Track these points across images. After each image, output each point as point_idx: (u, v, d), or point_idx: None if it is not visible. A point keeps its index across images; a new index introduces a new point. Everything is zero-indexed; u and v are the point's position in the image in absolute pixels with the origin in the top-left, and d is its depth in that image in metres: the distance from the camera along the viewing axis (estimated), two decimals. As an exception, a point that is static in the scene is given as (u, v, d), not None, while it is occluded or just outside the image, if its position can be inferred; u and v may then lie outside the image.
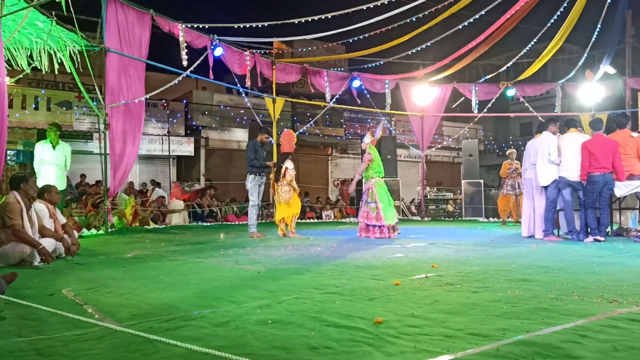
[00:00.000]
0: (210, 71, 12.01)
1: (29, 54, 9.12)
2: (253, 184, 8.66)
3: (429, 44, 13.41)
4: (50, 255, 5.04)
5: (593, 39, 13.71)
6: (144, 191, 15.09)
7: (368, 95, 15.81)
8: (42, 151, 8.42)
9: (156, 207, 12.88)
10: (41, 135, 8.74)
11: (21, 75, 9.32)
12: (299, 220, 13.82)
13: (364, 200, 8.32)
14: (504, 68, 15.69)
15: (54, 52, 9.24)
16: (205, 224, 13.14)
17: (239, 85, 13.29)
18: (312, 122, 17.63)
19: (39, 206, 5.64)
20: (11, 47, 8.73)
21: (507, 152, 12.04)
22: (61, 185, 8.27)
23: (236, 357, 1.83)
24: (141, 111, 10.42)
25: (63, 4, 7.72)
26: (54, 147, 8.45)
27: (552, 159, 7.51)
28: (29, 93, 15.45)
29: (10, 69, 8.69)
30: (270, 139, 14.14)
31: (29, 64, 9.08)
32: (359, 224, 8.44)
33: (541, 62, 14.65)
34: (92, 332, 2.39)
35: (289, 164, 8.74)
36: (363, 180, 8.67)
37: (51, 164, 8.36)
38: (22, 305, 2.79)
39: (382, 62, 15.38)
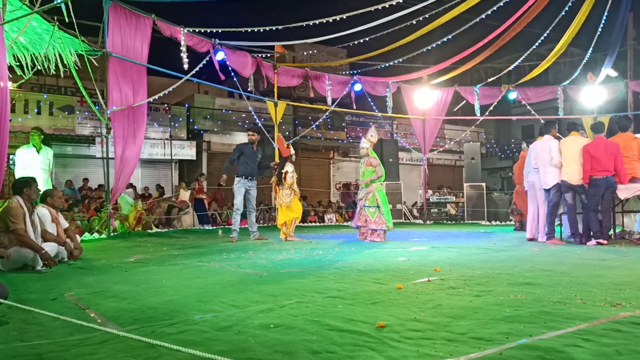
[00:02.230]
0: (219, 72, 12.06)
1: (31, 59, 9.13)
2: (237, 187, 8.59)
3: (430, 47, 13.43)
4: (52, 260, 5.05)
5: (594, 42, 13.71)
6: (146, 195, 15.10)
7: (369, 99, 15.82)
8: (27, 156, 8.21)
9: (162, 212, 12.91)
10: (43, 140, 8.68)
11: (23, 80, 9.33)
12: (301, 224, 13.82)
13: (362, 205, 8.35)
14: (506, 71, 15.71)
15: (57, 56, 9.26)
16: (209, 227, 13.15)
17: (240, 89, 13.34)
18: (313, 126, 17.65)
19: (42, 210, 5.65)
20: (13, 52, 8.75)
21: None
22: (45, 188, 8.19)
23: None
24: (143, 115, 10.44)
25: (64, 10, 7.74)
26: (38, 152, 8.29)
27: (554, 162, 7.50)
28: (31, 98, 15.50)
29: (12, 75, 8.70)
30: (274, 143, 14.19)
31: (31, 69, 9.09)
32: (359, 229, 8.48)
33: (544, 66, 14.66)
34: (94, 337, 2.39)
35: (289, 168, 8.76)
36: (361, 184, 8.66)
37: (37, 169, 8.12)
38: (25, 310, 2.79)
39: (384, 66, 15.39)
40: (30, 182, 5.38)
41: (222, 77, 12.24)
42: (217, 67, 11.95)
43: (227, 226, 13.77)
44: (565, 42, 13.37)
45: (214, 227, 13.14)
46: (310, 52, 19.88)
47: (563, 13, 12.29)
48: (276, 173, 8.96)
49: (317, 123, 17.71)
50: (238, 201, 8.50)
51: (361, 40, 12.85)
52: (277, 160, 14.43)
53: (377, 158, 8.49)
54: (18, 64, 8.72)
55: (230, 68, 12.74)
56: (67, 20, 8.17)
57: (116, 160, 9.72)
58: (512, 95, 16.05)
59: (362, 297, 3.31)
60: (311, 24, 11.06)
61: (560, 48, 13.65)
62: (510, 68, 15.44)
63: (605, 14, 12.57)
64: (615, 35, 14.02)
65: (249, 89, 13.61)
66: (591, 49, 14.01)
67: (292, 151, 9.16)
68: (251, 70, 13.47)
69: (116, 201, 10.19)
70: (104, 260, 5.81)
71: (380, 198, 8.21)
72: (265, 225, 14.93)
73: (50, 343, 2.34)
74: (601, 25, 13.03)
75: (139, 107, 10.13)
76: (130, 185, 14.59)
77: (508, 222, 14.82)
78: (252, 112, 15.12)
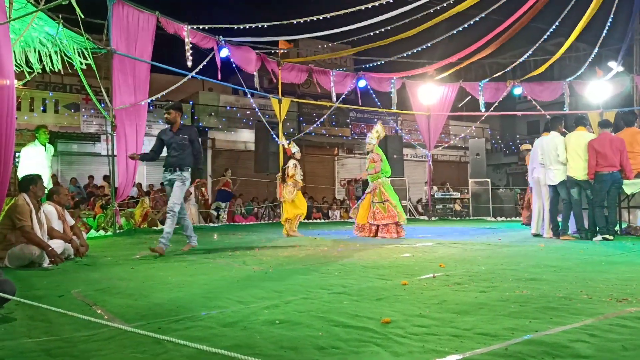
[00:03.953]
0: (219, 72, 12.06)
1: (36, 57, 9.16)
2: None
3: (434, 41, 13.38)
4: (59, 257, 5.08)
5: (602, 37, 13.62)
6: (152, 192, 15.15)
7: (374, 95, 15.80)
8: (36, 154, 8.20)
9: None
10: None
11: (29, 78, 9.37)
12: (305, 221, 13.82)
13: (370, 201, 8.34)
14: (511, 67, 15.64)
15: (62, 54, 9.30)
16: (213, 224, 13.18)
17: (244, 86, 13.34)
18: (318, 123, 17.63)
19: (48, 208, 5.68)
20: (18, 50, 8.78)
21: None
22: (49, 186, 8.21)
23: (245, 357, 1.84)
24: (144, 112, 10.47)
25: (75, 5, 7.75)
26: (45, 150, 8.31)
27: (561, 160, 7.47)
28: (37, 95, 15.57)
29: (19, 71, 8.73)
30: (277, 139, 14.15)
31: (36, 67, 9.12)
32: (355, 224, 8.52)
33: (550, 63, 14.60)
34: (101, 333, 2.40)
35: (290, 163, 8.87)
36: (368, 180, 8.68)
37: (45, 167, 8.13)
38: (32, 307, 2.81)
39: (388, 60, 15.34)
40: (36, 179, 5.41)
41: (219, 78, 12.20)
42: (219, 64, 11.94)
43: (231, 224, 13.80)
44: (573, 38, 13.28)
45: (218, 225, 13.16)
46: (314, 48, 19.84)
47: (569, 8, 12.22)
48: (281, 171, 9.09)
49: (322, 120, 17.70)
50: (170, 201, 6.27)
51: (365, 35, 12.82)
52: (281, 159, 14.45)
53: (381, 154, 8.51)
54: (24, 61, 8.76)
55: (234, 65, 12.74)
56: (72, 18, 8.20)
57: (120, 158, 9.75)
58: (517, 91, 15.99)
59: (367, 293, 3.31)
60: (315, 19, 11.03)
61: (566, 46, 13.57)
62: (515, 64, 15.38)
63: (614, 9, 12.47)
64: (629, 29, 13.92)
65: (255, 86, 13.62)
66: (599, 44, 13.91)
67: (294, 149, 9.15)
68: (256, 67, 13.46)
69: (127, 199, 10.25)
70: (110, 257, 5.83)
71: (388, 192, 8.23)
72: (270, 222, 14.96)
73: (58, 339, 2.35)
74: (609, 21, 12.94)
75: (140, 105, 10.16)
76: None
77: (513, 218, 14.77)
78: (257, 109, 15.13)
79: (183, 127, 6.51)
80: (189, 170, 6.32)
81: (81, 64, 9.30)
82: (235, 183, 15.48)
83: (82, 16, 8.01)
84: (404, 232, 8.24)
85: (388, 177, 8.50)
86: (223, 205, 14.21)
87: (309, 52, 20.00)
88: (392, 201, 8.18)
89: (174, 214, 6.12)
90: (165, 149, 6.52)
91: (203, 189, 14.73)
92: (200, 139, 6.37)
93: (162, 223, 12.06)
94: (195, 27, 11.23)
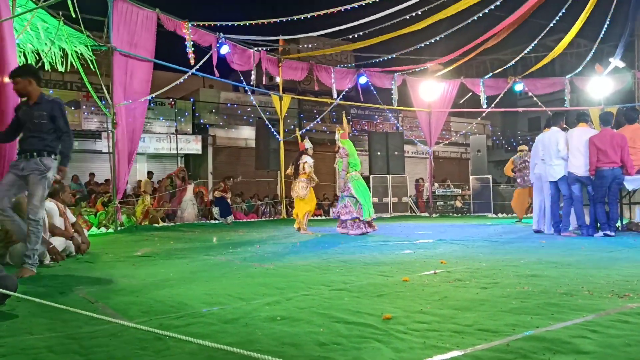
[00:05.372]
0: (215, 69, 12.05)
1: (36, 54, 9.16)
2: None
3: (436, 38, 13.36)
4: (60, 254, 5.09)
5: (602, 33, 13.59)
6: (154, 188, 15.15)
7: (374, 92, 15.78)
8: None
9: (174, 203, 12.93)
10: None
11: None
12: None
13: (340, 195, 8.34)
14: (512, 63, 15.62)
15: (62, 52, 9.29)
16: (215, 221, 13.18)
17: (244, 83, 13.34)
18: (318, 119, 17.62)
19: (49, 205, 5.67)
20: (19, 47, 8.77)
21: None
22: None
23: (247, 353, 1.84)
24: (143, 110, 10.48)
25: (70, 6, 7.77)
26: None
27: (562, 155, 7.46)
28: (37, 93, 15.54)
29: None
30: (278, 137, 14.12)
31: (36, 64, 9.11)
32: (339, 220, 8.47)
33: (549, 58, 14.58)
34: (103, 330, 2.41)
35: (307, 159, 8.80)
36: (337, 174, 8.59)
37: None
38: (34, 303, 2.81)
39: (390, 57, 15.31)
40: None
41: (217, 75, 12.18)
42: (215, 62, 11.93)
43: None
44: (572, 34, 13.25)
45: (219, 222, 13.14)
46: (315, 44, 19.79)
47: (569, 2, 12.19)
48: (293, 166, 9.00)
49: (322, 116, 17.69)
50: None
51: (366, 31, 12.80)
52: (282, 154, 14.42)
53: (349, 148, 8.36)
54: (24, 59, 8.76)
55: (234, 63, 12.74)
56: (73, 16, 8.20)
57: (120, 155, 9.75)
58: (519, 87, 15.97)
59: (368, 290, 3.31)
60: (316, 15, 11.02)
61: (567, 40, 13.55)
62: (516, 59, 15.36)
63: (614, 4, 12.44)
64: (629, 25, 13.88)
65: (251, 83, 13.62)
66: (599, 39, 13.88)
67: (308, 145, 9.12)
68: (254, 63, 13.46)
69: (123, 195, 10.24)
70: (112, 254, 5.84)
71: (355, 188, 8.14)
72: (272, 219, 14.96)
73: (60, 336, 2.36)
74: (609, 17, 12.91)
75: (141, 102, 10.18)
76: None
77: (514, 215, 14.74)
78: (257, 106, 15.13)
79: (43, 100, 4.51)
80: (52, 157, 4.47)
81: (81, 62, 9.30)
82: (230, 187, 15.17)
83: (78, 14, 8.01)
84: (371, 229, 8.21)
85: (357, 171, 8.41)
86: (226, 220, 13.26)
87: (309, 48, 19.95)
88: (356, 198, 8.10)
89: (36, 223, 4.34)
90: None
91: (204, 192, 14.60)
92: (65, 116, 4.54)
93: (164, 220, 12.11)
94: (195, 24, 11.22)
